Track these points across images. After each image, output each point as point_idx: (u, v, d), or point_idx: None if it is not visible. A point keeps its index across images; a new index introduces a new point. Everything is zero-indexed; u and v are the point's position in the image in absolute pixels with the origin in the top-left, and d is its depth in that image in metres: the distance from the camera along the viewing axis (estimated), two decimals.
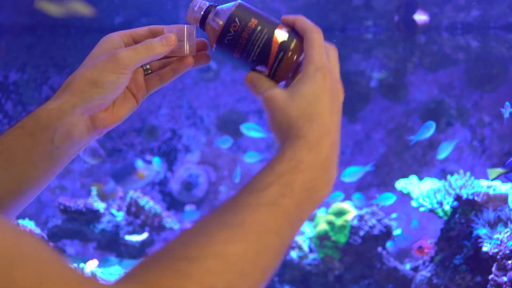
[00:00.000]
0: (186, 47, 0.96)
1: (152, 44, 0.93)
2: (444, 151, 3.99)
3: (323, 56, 0.89)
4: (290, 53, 0.92)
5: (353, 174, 4.02)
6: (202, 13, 0.95)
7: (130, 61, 0.91)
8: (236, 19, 0.93)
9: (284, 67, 0.93)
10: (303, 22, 0.92)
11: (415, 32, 4.57)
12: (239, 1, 0.95)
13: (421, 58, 4.82)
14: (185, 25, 0.96)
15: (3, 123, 4.81)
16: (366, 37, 4.85)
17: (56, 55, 4.86)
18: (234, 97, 4.85)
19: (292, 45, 0.92)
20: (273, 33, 0.93)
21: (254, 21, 0.94)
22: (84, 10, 4.55)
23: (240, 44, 0.93)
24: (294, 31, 0.93)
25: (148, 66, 1.01)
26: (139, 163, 3.77)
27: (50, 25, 4.76)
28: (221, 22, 0.93)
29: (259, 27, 0.93)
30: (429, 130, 3.55)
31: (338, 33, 4.83)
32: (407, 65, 4.82)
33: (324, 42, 0.90)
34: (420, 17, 4.44)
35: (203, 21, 0.95)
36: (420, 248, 3.12)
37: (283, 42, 0.92)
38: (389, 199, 3.73)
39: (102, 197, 3.83)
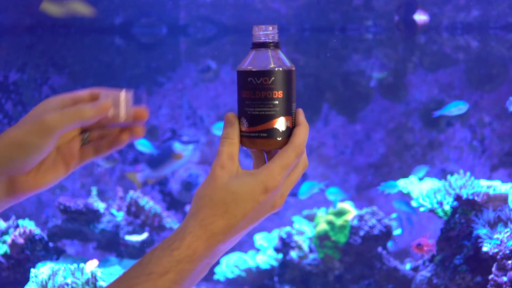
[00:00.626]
0: (122, 114, 0.91)
1: (82, 109, 0.87)
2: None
3: (282, 175, 0.92)
4: (271, 142, 0.95)
5: (308, 190, 4.04)
6: (272, 40, 0.95)
7: (55, 125, 0.86)
8: (273, 77, 0.94)
9: (257, 144, 0.97)
10: (300, 132, 0.94)
11: (415, 32, 4.57)
12: (293, 68, 0.96)
13: (421, 58, 4.82)
14: (123, 91, 0.92)
15: (3, 123, 4.81)
16: (366, 37, 4.85)
17: (56, 55, 4.86)
18: (234, 97, 4.84)
19: (278, 139, 0.95)
20: (278, 115, 0.95)
21: (279, 93, 0.95)
22: (84, 10, 4.56)
23: (254, 94, 0.95)
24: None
25: (86, 136, 0.96)
26: (177, 145, 3.75)
27: (50, 25, 4.76)
28: (264, 64, 0.94)
29: (276, 102, 0.94)
30: (458, 108, 3.42)
31: (338, 33, 4.84)
32: (407, 65, 4.82)
33: (301, 156, 0.94)
34: (420, 17, 4.44)
35: (262, 45, 0.95)
36: (419, 246, 3.10)
37: (275, 129, 0.95)
38: (393, 188, 3.70)
39: (138, 185, 3.82)
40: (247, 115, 0.96)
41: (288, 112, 0.95)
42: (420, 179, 3.70)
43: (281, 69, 0.94)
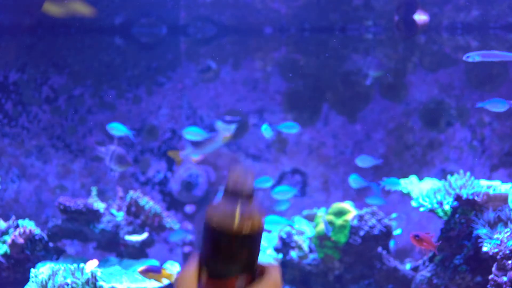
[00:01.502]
0: None
1: None
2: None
3: None
4: None
5: (283, 193, 4.04)
6: (245, 191, 0.91)
7: None
8: (236, 240, 0.90)
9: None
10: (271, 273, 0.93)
11: (415, 32, 4.57)
12: (260, 227, 0.92)
13: (421, 58, 4.82)
14: None
15: (3, 123, 4.81)
16: (366, 37, 4.85)
17: (56, 55, 4.86)
18: (234, 97, 4.85)
19: None
20: (238, 273, 0.92)
21: (242, 253, 0.92)
22: (84, 10, 4.55)
23: (217, 250, 0.91)
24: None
25: None
26: (219, 124, 3.71)
27: (50, 25, 4.76)
28: (230, 222, 0.90)
29: (238, 261, 0.92)
30: (500, 105, 3.36)
31: (338, 33, 4.84)
32: (407, 65, 4.82)
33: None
34: (420, 17, 4.44)
35: (234, 194, 0.91)
36: (417, 237, 3.05)
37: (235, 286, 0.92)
38: (395, 185, 3.69)
39: (178, 162, 3.79)
40: (208, 266, 0.93)
41: (250, 270, 0.92)
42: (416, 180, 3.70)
43: (244, 232, 0.90)
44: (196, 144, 3.68)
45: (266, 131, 3.88)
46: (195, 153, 3.73)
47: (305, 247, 3.80)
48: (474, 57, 3.17)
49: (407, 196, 3.82)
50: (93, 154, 3.98)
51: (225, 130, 3.57)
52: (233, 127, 3.64)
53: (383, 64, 4.79)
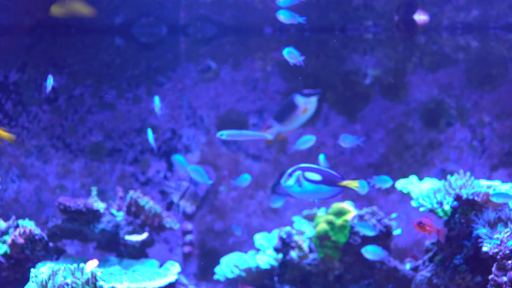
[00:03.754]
0: None
1: None
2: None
3: None
4: None
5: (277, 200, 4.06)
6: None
7: None
8: None
9: None
10: None
11: (415, 32, 4.57)
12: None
13: (421, 58, 4.82)
14: None
15: (3, 123, 4.81)
16: (366, 37, 4.85)
17: (56, 55, 4.85)
18: (234, 97, 4.86)
19: None
20: None
21: None
22: (84, 10, 4.56)
23: None
24: None
25: None
26: (299, 98, 3.69)
27: (50, 25, 4.76)
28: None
29: None
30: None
31: (338, 33, 4.84)
32: (407, 65, 4.82)
33: None
34: (420, 17, 4.44)
35: None
36: (421, 224, 3.04)
37: None
38: (385, 182, 3.68)
39: (267, 144, 3.80)
40: None
41: None
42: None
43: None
44: (281, 119, 3.66)
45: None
46: (283, 129, 3.72)
47: (305, 247, 3.81)
48: (223, 135, 3.31)
49: (407, 196, 3.82)
50: (161, 188, 3.97)
51: (305, 104, 3.55)
52: (313, 99, 3.61)
53: (381, 62, 4.79)
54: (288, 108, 3.77)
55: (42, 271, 2.78)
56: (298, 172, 2.90)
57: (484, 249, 2.77)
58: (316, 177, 2.88)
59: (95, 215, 3.77)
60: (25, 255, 3.55)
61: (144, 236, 3.77)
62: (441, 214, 3.39)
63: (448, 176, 3.36)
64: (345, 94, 4.77)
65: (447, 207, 3.25)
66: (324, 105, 4.79)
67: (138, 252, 3.81)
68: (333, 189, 2.87)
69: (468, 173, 3.34)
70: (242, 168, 4.82)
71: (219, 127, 4.82)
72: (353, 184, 2.89)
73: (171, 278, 3.55)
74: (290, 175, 2.93)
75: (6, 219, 3.80)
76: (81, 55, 4.88)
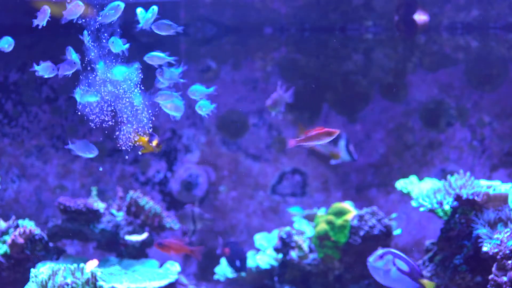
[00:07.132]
0: None
1: None
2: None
3: None
4: None
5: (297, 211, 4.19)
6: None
7: None
8: None
9: None
10: None
11: (415, 32, 4.57)
12: None
13: (421, 58, 4.82)
14: None
15: (3, 123, 4.81)
16: (366, 37, 4.85)
17: (56, 55, 4.85)
18: (234, 97, 4.86)
19: None
20: None
21: None
22: (84, 10, 4.54)
23: None
24: None
25: None
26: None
27: (50, 25, 4.76)
28: None
29: None
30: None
31: (338, 33, 4.84)
32: (407, 65, 4.82)
33: None
34: (420, 17, 4.44)
35: None
36: (161, 245, 3.17)
37: None
38: (297, 211, 4.00)
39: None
40: None
41: None
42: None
43: None
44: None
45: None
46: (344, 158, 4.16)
47: (305, 247, 3.81)
48: None
49: (407, 196, 3.82)
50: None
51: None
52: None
53: (385, 65, 4.79)
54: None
55: (42, 271, 2.78)
56: (390, 257, 2.89)
57: (484, 249, 2.77)
58: (404, 267, 2.87)
59: (95, 215, 3.77)
60: (25, 255, 3.55)
61: (144, 236, 3.77)
62: (441, 214, 3.39)
63: (448, 176, 3.36)
64: (345, 94, 4.77)
65: (447, 207, 3.25)
66: (324, 105, 4.79)
67: (138, 252, 3.81)
68: (414, 285, 2.86)
69: (468, 173, 3.34)
70: (242, 168, 4.82)
71: (219, 127, 4.82)
72: (431, 285, 2.88)
73: (171, 278, 3.55)
74: (381, 257, 2.91)
75: (6, 219, 3.79)
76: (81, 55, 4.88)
